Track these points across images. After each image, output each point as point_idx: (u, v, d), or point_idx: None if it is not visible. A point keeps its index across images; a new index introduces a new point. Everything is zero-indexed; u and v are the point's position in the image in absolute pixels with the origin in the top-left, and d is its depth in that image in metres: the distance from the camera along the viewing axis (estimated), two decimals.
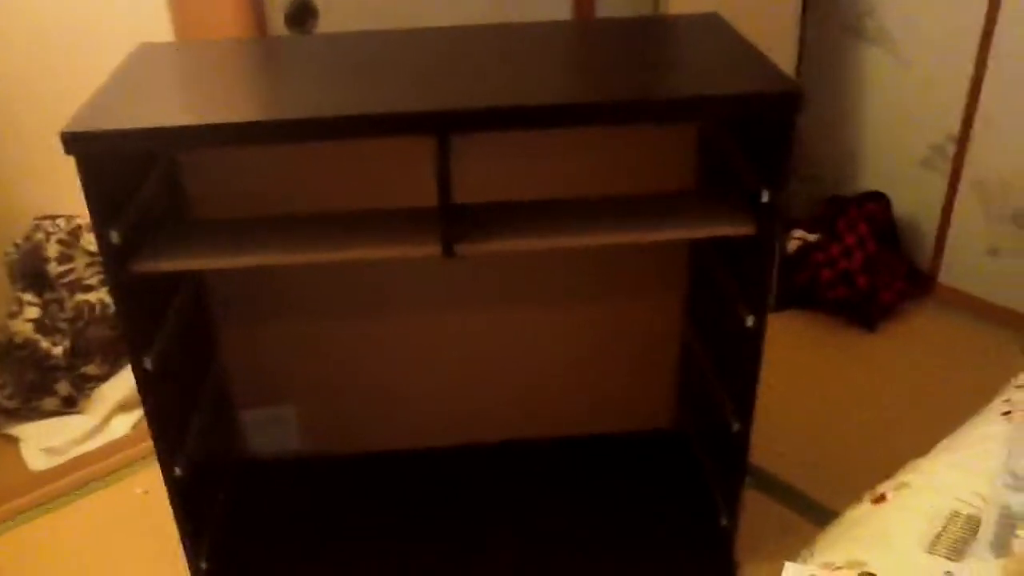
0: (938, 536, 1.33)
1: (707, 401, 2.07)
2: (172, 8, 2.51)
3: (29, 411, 2.43)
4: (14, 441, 2.39)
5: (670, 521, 2.06)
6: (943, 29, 2.62)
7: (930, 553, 1.30)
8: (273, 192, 1.85)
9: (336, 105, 1.50)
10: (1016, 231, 2.64)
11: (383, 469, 2.23)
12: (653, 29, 1.91)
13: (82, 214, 2.60)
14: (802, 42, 2.76)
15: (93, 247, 2.51)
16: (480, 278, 2.08)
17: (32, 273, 2.45)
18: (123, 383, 2.52)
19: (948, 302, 2.84)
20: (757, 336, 1.71)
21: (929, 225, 2.84)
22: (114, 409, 2.46)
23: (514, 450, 2.26)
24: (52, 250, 2.46)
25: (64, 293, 2.46)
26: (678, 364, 2.25)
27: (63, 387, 2.44)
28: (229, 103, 1.59)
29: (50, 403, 2.43)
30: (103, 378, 2.53)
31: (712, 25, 1.85)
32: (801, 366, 2.62)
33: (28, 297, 2.43)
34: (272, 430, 2.20)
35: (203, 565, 1.85)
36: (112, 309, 2.48)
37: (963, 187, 2.71)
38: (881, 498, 1.49)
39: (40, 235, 2.48)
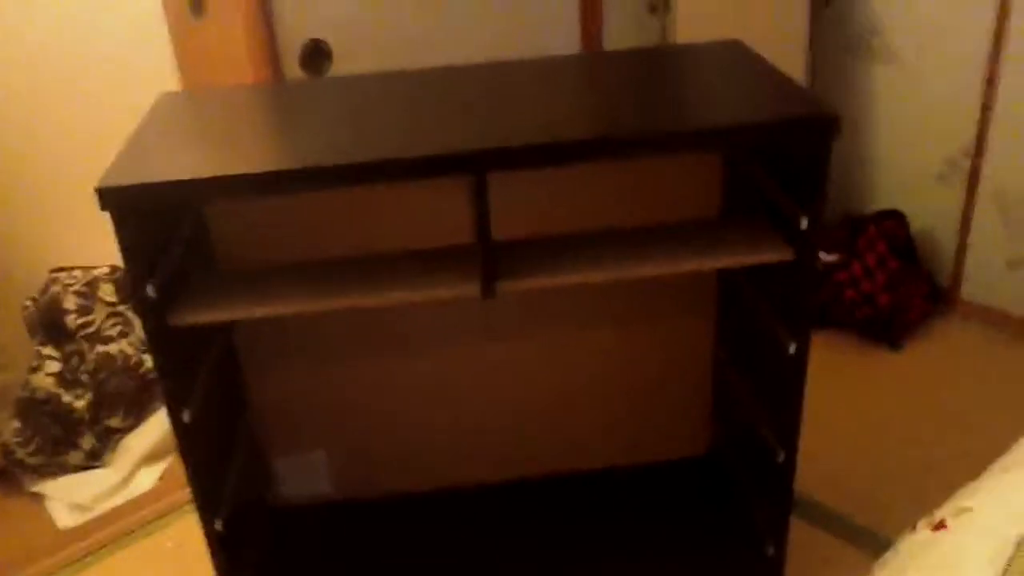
0: (1009, 562, 1.30)
1: (745, 428, 2.05)
2: (179, 57, 2.52)
3: (54, 467, 2.39)
4: (40, 498, 2.35)
5: (713, 552, 2.03)
6: (951, 44, 2.64)
7: None
8: (301, 237, 1.83)
9: (369, 149, 1.49)
10: None
11: (416, 510, 2.19)
12: (677, 58, 1.90)
13: (98, 265, 2.59)
14: (811, 64, 2.77)
15: (111, 298, 2.50)
16: (507, 312, 2.06)
17: (51, 326, 2.43)
18: (147, 435, 2.49)
19: (971, 317, 2.83)
20: (800, 362, 1.69)
21: (948, 240, 2.84)
22: (139, 462, 2.43)
23: (548, 485, 2.23)
24: (70, 302, 2.44)
25: (84, 345, 2.43)
26: (711, 391, 2.22)
27: (87, 441, 2.41)
28: (260, 151, 1.58)
29: (75, 457, 2.40)
30: (127, 430, 2.50)
31: (737, 52, 1.85)
32: (830, 388, 2.60)
33: (48, 351, 2.41)
34: (303, 476, 2.17)
35: None
36: (134, 360, 2.46)
37: (980, 200, 2.71)
38: (941, 524, 1.46)
39: (57, 288, 2.45)
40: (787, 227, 1.64)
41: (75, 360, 2.42)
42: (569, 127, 1.56)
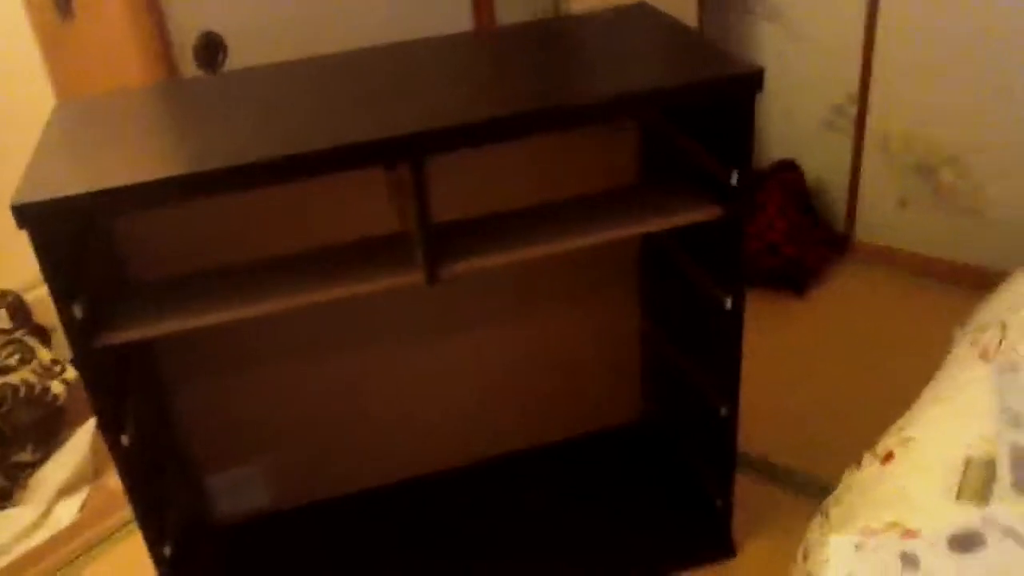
0: (960, 484, 1.37)
1: (679, 390, 2.08)
2: (49, 63, 2.36)
3: None
4: None
5: (662, 512, 2.07)
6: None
7: (958, 501, 1.34)
8: (225, 241, 1.75)
9: (289, 143, 1.42)
10: (921, 181, 2.77)
11: (359, 509, 2.15)
12: (588, 25, 1.90)
13: None
14: (700, 26, 2.82)
15: (6, 324, 2.34)
16: (437, 298, 2.02)
17: None
18: (60, 467, 2.34)
19: (867, 258, 2.95)
20: (737, 317, 1.73)
21: (840, 186, 2.95)
22: (56, 495, 2.29)
23: (490, 467, 2.22)
24: None
25: None
26: (640, 358, 2.25)
27: None
28: (174, 154, 1.50)
29: None
30: (37, 464, 2.35)
31: (645, 14, 1.86)
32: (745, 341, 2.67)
33: None
34: (240, 491, 2.09)
35: None
36: (38, 388, 2.31)
37: (867, 144, 2.83)
38: (889, 456, 1.53)
39: None
40: (712, 185, 1.67)
41: None
42: (490, 104, 1.54)
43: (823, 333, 2.69)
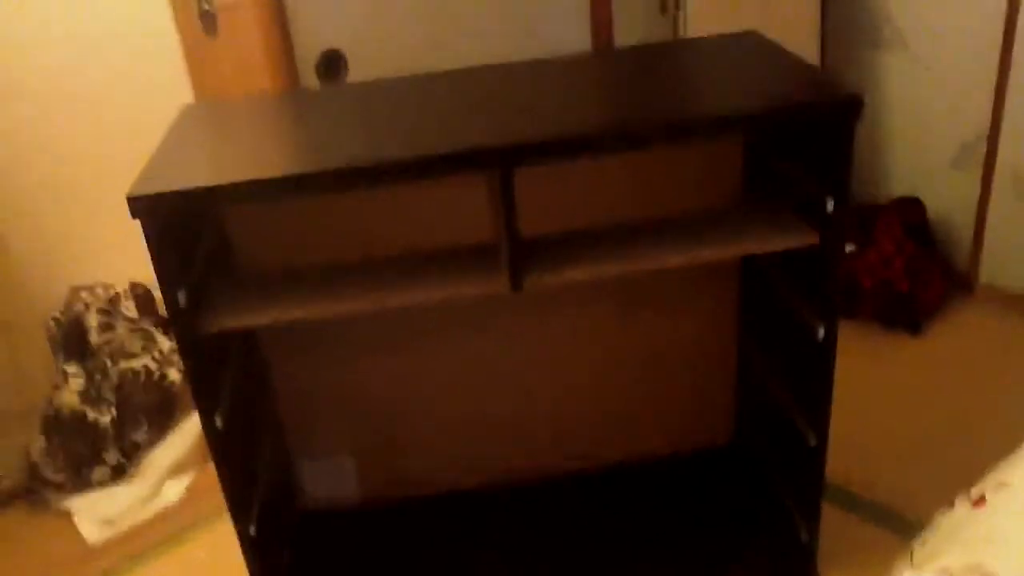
0: None
1: (772, 415, 2.04)
2: (193, 75, 2.53)
3: (80, 483, 2.39)
4: (67, 515, 2.35)
5: (747, 539, 2.02)
6: (963, 28, 2.63)
7: None
8: (324, 240, 1.84)
9: (392, 149, 1.49)
10: None
11: (443, 511, 2.18)
12: (696, 50, 1.91)
13: (118, 281, 2.60)
14: (823, 55, 2.78)
15: (133, 314, 2.51)
16: (532, 305, 2.05)
17: (74, 344, 2.44)
18: (171, 448, 2.49)
19: (990, 300, 2.82)
20: (828, 347, 1.69)
21: (965, 224, 2.83)
22: (165, 475, 2.43)
23: (578, 481, 2.22)
24: (93, 320, 2.45)
25: (107, 362, 2.44)
26: (736, 379, 2.22)
27: (112, 456, 2.41)
28: (286, 156, 1.59)
29: (100, 473, 2.40)
30: (151, 444, 2.50)
31: (754, 41, 1.85)
32: (852, 375, 2.58)
33: (72, 368, 2.41)
34: (330, 479, 2.17)
35: None
36: (157, 374, 2.46)
37: (997, 183, 2.70)
38: (980, 500, 1.46)
39: (79, 305, 2.46)
40: (812, 211, 1.64)
41: (98, 377, 2.42)
42: (591, 120, 1.57)
43: (934, 372, 2.58)
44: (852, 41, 2.89)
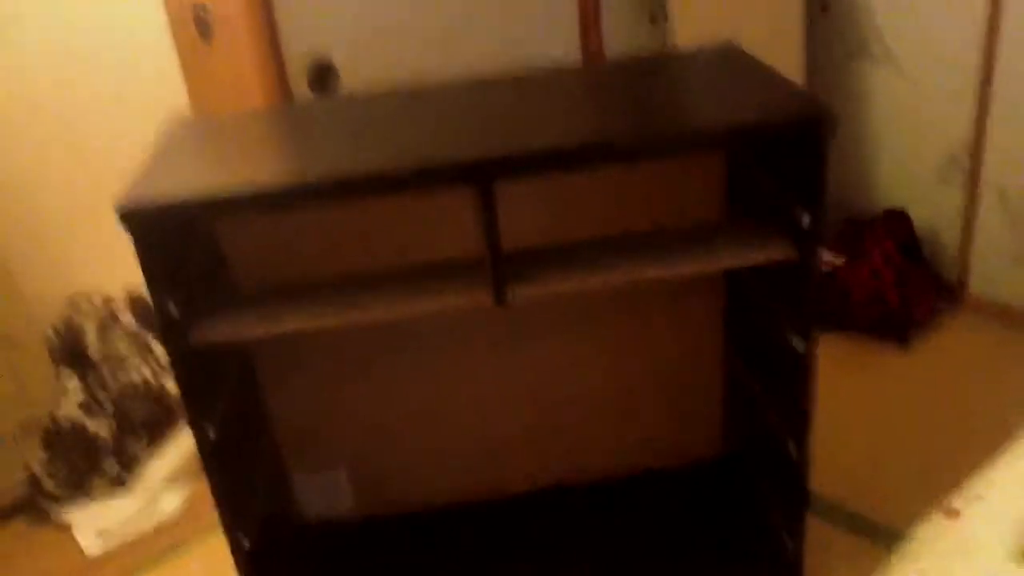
0: (1022, 544, 1.33)
1: (758, 428, 2.07)
2: (188, 81, 2.57)
3: (79, 494, 2.43)
4: (67, 528, 2.38)
5: (734, 553, 2.05)
6: (947, 43, 2.67)
7: (1018, 563, 1.30)
8: (312, 253, 1.87)
9: (377, 162, 1.53)
10: None
11: (437, 525, 2.21)
12: (673, 63, 1.94)
13: (114, 289, 2.63)
14: (808, 69, 2.81)
15: (131, 324, 2.54)
16: (520, 321, 2.09)
17: (73, 354, 2.48)
18: (168, 458, 2.52)
19: (979, 312, 2.84)
20: (807, 359, 1.72)
21: (952, 237, 2.86)
22: (162, 486, 2.46)
23: (567, 495, 2.25)
24: (91, 330, 2.49)
25: (106, 372, 2.48)
26: (723, 392, 2.25)
27: (110, 467, 2.45)
28: (272, 168, 1.63)
29: (99, 484, 2.44)
30: (149, 456, 2.53)
31: (732, 54, 1.89)
32: (841, 387, 2.62)
33: (71, 379, 2.45)
34: (325, 493, 2.20)
35: None
36: (155, 385, 2.50)
37: (983, 196, 2.73)
38: (954, 513, 1.49)
39: (77, 316, 2.50)
40: (790, 227, 1.67)
41: (97, 387, 2.46)
42: (573, 134, 1.60)
43: (921, 384, 2.61)
44: (840, 54, 2.93)
